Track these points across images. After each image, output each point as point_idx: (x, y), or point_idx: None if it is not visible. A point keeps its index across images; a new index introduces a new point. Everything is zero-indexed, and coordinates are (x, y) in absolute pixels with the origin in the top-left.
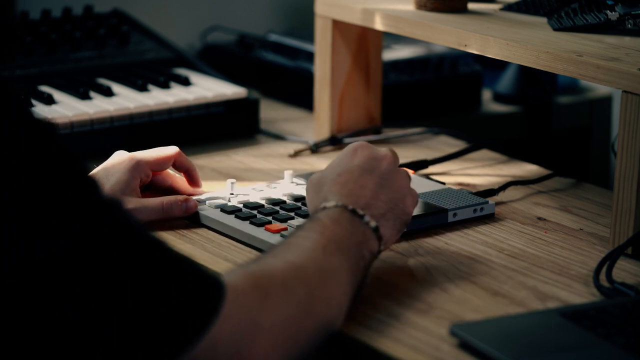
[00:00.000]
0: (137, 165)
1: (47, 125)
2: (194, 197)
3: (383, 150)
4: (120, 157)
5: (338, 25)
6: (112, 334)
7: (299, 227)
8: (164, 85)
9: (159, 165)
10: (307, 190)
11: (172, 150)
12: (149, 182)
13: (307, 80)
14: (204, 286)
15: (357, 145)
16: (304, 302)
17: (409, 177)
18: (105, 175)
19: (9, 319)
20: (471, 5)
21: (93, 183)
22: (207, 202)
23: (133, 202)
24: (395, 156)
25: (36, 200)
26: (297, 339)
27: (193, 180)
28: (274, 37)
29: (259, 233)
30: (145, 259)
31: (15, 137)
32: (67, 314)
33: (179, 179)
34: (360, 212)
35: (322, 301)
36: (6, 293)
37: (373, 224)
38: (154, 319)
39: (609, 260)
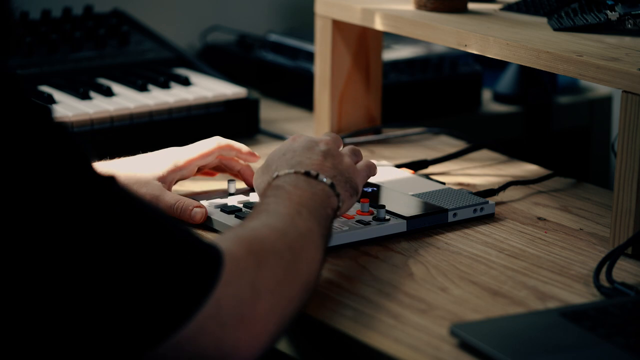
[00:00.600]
0: (186, 165)
1: (45, 110)
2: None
3: (322, 135)
4: (174, 150)
5: (338, 25)
6: (115, 303)
7: (263, 197)
8: (164, 85)
9: (203, 161)
10: (254, 179)
11: (211, 145)
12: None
13: (307, 80)
14: (203, 254)
15: (294, 135)
16: (291, 266)
17: (355, 157)
18: (154, 158)
19: (8, 294)
20: (471, 5)
21: (87, 160)
22: (207, 202)
23: (156, 190)
24: (335, 140)
25: (33, 176)
26: (290, 300)
27: (245, 159)
28: (274, 37)
29: None
30: (146, 230)
31: (15, 123)
32: (69, 286)
33: (233, 161)
34: (314, 172)
35: (304, 264)
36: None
37: (328, 181)
38: (155, 288)
39: (609, 260)
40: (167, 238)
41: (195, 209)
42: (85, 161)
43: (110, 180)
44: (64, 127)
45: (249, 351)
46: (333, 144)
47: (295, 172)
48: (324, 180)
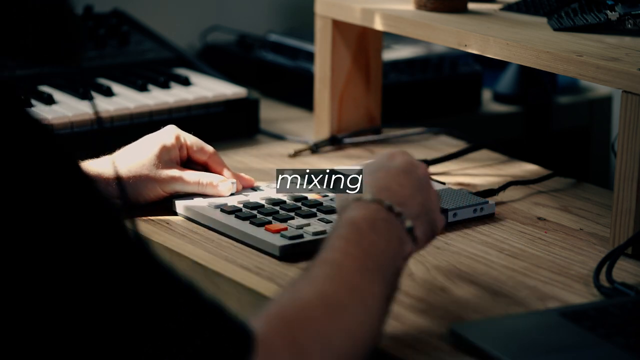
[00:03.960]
0: (183, 144)
1: (42, 125)
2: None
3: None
4: (167, 130)
5: (338, 25)
6: None
7: (335, 228)
8: (164, 85)
9: (195, 151)
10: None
11: (210, 147)
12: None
13: (307, 80)
14: (235, 335)
15: (393, 151)
16: (327, 337)
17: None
18: (149, 140)
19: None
20: (471, 5)
21: (98, 192)
22: (206, 201)
23: (173, 171)
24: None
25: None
26: None
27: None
28: (274, 37)
29: (259, 233)
30: (176, 301)
31: (12, 137)
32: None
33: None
34: (397, 209)
35: (343, 333)
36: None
37: (409, 223)
38: None
39: (609, 260)
40: (198, 314)
41: (222, 183)
42: (96, 193)
43: (115, 211)
44: (66, 147)
45: None
46: (428, 173)
47: (379, 203)
48: (405, 222)
